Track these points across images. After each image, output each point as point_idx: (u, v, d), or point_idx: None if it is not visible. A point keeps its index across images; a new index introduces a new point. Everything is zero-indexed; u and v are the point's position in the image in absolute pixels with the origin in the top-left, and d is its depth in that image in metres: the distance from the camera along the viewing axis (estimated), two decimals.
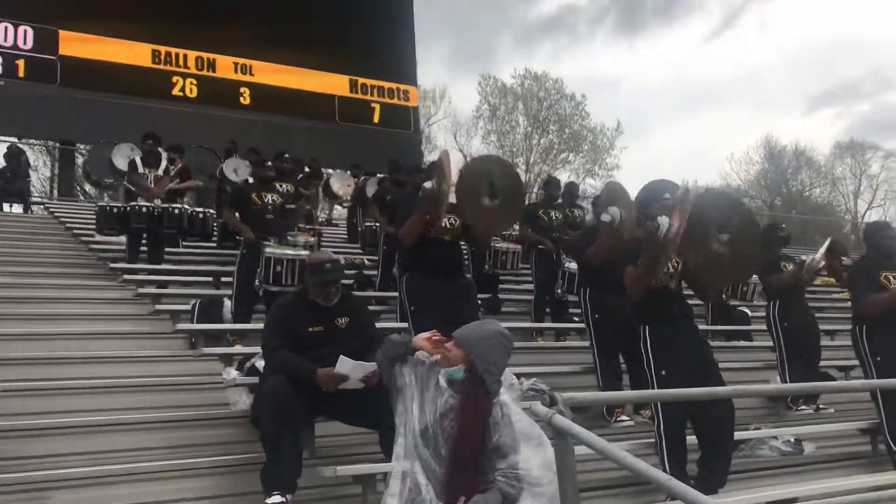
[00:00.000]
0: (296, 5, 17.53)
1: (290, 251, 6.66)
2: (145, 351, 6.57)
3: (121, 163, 10.65)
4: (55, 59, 15.08)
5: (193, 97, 16.34)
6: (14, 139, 15.08)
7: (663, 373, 4.45)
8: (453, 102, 39.36)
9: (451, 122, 38.73)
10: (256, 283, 6.70)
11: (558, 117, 38.46)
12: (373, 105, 18.23)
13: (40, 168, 24.40)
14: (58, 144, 17.84)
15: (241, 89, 16.82)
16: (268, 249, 6.67)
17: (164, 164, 8.95)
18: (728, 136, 59.52)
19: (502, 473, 3.16)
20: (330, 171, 13.87)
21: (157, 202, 8.47)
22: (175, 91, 16.19)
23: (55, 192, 21.01)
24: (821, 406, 7.20)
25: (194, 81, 16.40)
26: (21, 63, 14.83)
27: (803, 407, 7.05)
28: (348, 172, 13.19)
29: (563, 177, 39.33)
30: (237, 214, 7.38)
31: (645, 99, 57.45)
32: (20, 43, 14.87)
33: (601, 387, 6.02)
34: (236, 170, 10.92)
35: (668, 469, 4.33)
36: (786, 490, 5.19)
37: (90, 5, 15.58)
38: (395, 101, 18.63)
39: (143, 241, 8.74)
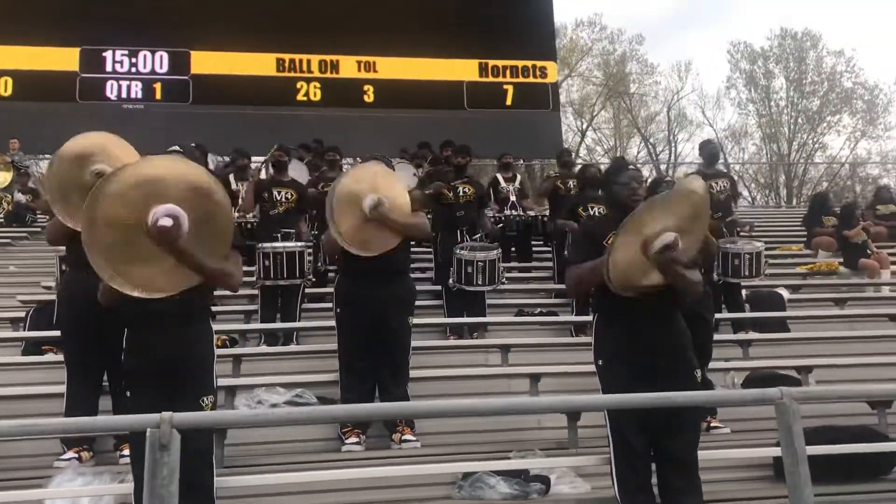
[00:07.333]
0: None
1: None
2: None
3: None
4: (188, 79, 16.14)
5: (317, 100, 16.54)
6: None
7: None
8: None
9: (699, 95, 35.62)
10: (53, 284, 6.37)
11: (822, 77, 33.65)
12: (505, 87, 17.10)
13: None
14: None
15: (365, 87, 16.65)
16: None
17: None
18: None
19: None
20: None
21: None
22: (300, 96, 16.50)
23: None
24: (713, 424, 5.24)
25: (318, 85, 16.57)
26: (158, 86, 16.09)
27: None
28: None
29: (839, 141, 34.45)
30: None
31: None
32: (157, 67, 16.14)
33: None
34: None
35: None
36: None
37: (218, 24, 16.34)
38: (530, 79, 17.30)
39: None
